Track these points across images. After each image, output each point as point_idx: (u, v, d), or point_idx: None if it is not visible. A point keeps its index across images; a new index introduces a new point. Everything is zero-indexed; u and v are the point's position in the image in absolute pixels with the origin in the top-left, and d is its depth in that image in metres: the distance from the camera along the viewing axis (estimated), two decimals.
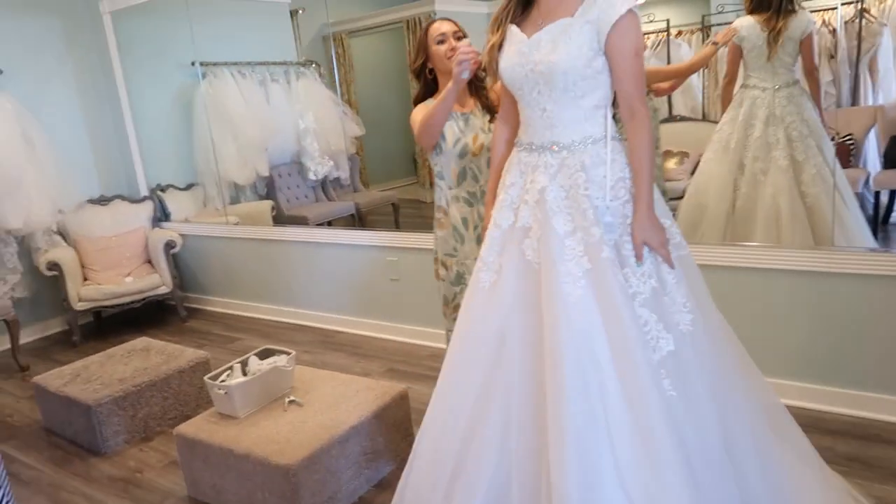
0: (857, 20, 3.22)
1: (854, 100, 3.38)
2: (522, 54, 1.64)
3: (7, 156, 4.04)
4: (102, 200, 4.76)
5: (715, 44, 2.96)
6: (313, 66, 4.98)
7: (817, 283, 2.51)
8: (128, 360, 3.25)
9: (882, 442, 2.28)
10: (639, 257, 1.57)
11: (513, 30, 1.70)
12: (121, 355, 3.31)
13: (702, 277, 1.72)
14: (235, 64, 4.81)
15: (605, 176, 1.59)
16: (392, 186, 5.16)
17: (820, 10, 3.28)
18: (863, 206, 3.34)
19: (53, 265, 4.21)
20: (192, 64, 4.72)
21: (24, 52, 4.43)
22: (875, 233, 3.33)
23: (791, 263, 2.56)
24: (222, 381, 2.51)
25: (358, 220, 4.92)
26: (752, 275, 2.64)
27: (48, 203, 4.29)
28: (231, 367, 2.59)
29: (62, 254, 4.30)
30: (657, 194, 1.65)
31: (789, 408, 1.82)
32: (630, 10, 1.54)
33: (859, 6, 3.18)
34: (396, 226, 4.91)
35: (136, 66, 4.87)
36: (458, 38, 2.22)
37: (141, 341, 3.48)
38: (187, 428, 2.44)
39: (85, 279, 4.43)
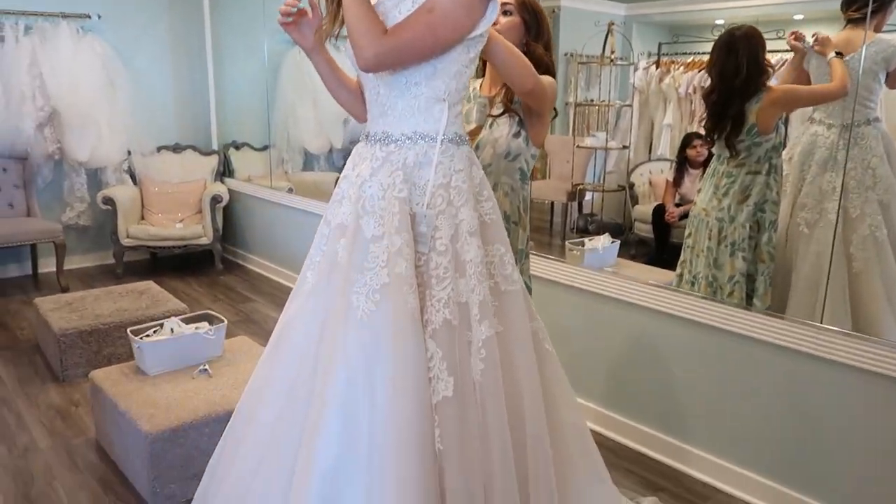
0: None
1: None
2: None
3: (85, 93, 4.41)
4: (177, 148, 5.04)
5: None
6: None
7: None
8: (120, 298, 3.40)
9: None
10: None
11: None
12: (119, 293, 3.47)
13: (527, 318, 1.48)
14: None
15: (429, 180, 1.38)
16: None
17: None
18: None
19: (108, 200, 4.52)
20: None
21: (125, 1, 4.77)
22: None
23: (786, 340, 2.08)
24: (145, 335, 2.52)
25: None
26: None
27: (118, 143, 4.63)
28: (161, 325, 2.60)
29: (118, 191, 4.60)
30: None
31: None
32: None
33: None
34: None
35: (227, 27, 5.08)
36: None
37: (144, 284, 3.63)
38: (100, 373, 2.48)
39: (142, 218, 4.73)
